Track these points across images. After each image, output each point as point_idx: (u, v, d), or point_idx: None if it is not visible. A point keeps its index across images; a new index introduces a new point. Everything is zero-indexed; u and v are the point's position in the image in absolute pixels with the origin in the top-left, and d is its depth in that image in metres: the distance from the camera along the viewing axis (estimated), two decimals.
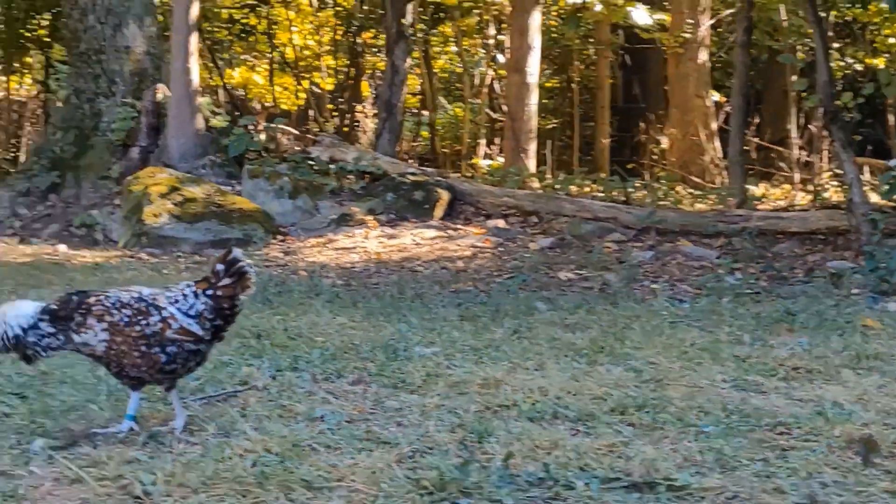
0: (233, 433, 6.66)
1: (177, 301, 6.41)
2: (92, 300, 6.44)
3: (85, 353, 6.53)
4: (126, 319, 6.37)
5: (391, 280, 12.61)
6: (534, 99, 22.42)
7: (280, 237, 14.99)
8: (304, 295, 11.42)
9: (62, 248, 14.94)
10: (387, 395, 7.60)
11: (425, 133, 27.41)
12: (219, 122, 17.36)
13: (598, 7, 19.47)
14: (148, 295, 6.45)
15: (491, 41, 26.20)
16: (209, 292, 6.40)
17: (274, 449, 6.32)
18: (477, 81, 27.01)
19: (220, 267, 6.36)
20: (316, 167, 16.25)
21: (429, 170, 18.58)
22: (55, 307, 6.48)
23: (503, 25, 25.01)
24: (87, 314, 6.39)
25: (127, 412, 6.63)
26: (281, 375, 7.97)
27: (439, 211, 15.75)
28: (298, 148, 17.65)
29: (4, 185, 18.00)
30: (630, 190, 17.57)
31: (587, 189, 18.22)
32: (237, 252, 6.46)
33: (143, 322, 6.35)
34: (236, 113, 20.70)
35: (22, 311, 6.52)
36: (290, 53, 29.01)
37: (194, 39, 16.75)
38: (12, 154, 24.97)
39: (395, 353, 8.63)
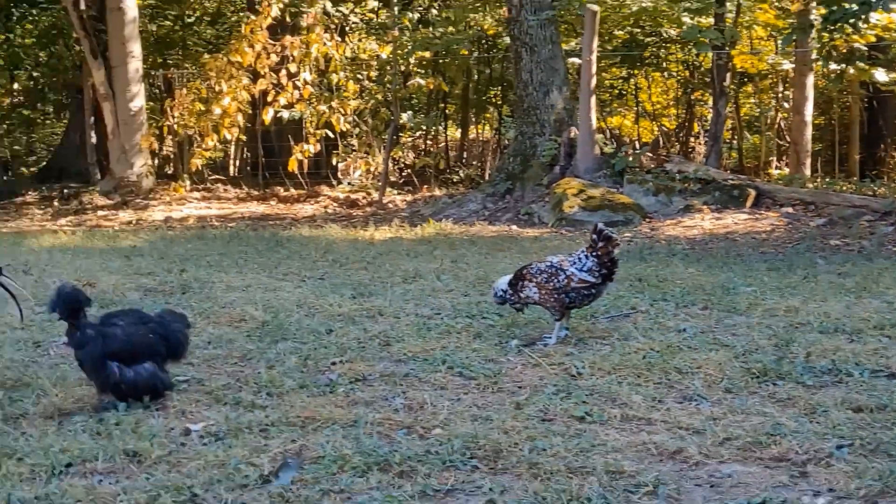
0: (629, 338, 6.80)
1: (574, 263, 6.69)
2: (525, 272, 6.74)
3: (529, 302, 6.83)
4: (545, 279, 6.65)
5: (720, 245, 12.44)
6: (808, 131, 21.77)
7: (648, 220, 14.93)
8: (665, 255, 11.39)
9: (514, 227, 15.24)
10: (724, 316, 7.62)
11: (734, 154, 26.77)
12: (608, 150, 17.40)
13: (852, 71, 18.69)
14: (556, 262, 6.80)
15: (780, 94, 25.45)
16: (593, 253, 6.65)
17: (655, 348, 6.42)
18: (769, 121, 26.28)
19: (594, 237, 6.65)
20: (668, 176, 16.11)
21: (741, 176, 18.18)
22: (512, 280, 6.83)
23: (787, 84, 24.21)
24: (523, 279, 6.71)
25: (563, 326, 6.84)
26: (656, 304, 8.05)
27: (748, 202, 15.44)
28: (655, 164, 17.49)
29: (478, 190, 18.46)
30: (875, 187, 16.96)
31: (846, 188, 17.60)
32: (601, 225, 6.84)
33: (555, 279, 6.63)
34: (616, 144, 20.68)
35: (502, 282, 6.88)
36: (647, 106, 28.79)
37: (593, 99, 16.85)
38: (480, 171, 25.48)
39: (727, 290, 8.60)
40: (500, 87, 27.85)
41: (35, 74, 30.91)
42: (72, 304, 5.46)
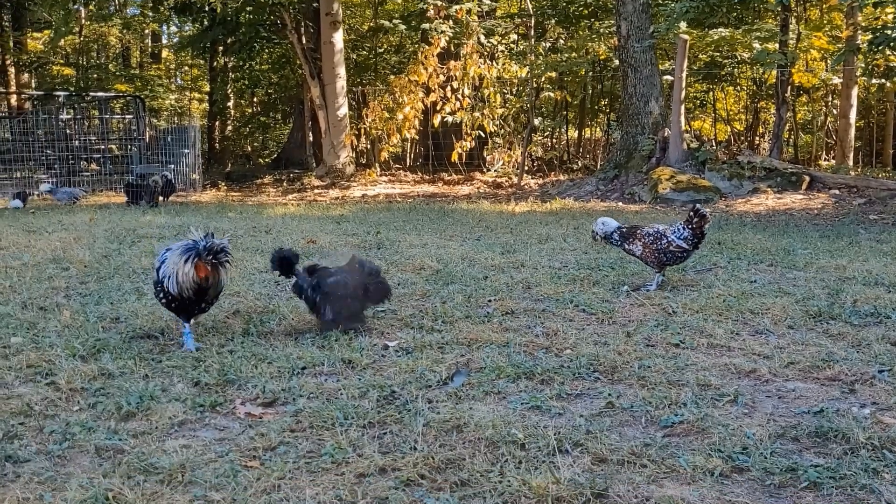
0: (713, 286, 6.66)
1: (675, 232, 6.60)
2: (637, 232, 6.70)
3: (629, 253, 6.81)
4: (650, 240, 6.55)
5: (781, 219, 12.03)
6: (851, 131, 20.82)
7: (723, 199, 14.54)
8: (738, 225, 11.07)
9: (620, 204, 15.00)
10: (786, 271, 7.39)
11: (791, 149, 25.72)
12: (693, 145, 16.92)
13: (889, 84, 17.82)
14: (661, 229, 6.72)
15: (829, 103, 24.35)
16: (689, 226, 6.52)
17: (733, 294, 6.29)
18: (819, 123, 25.19)
19: (691, 214, 6.51)
20: (740, 166, 15.63)
21: (797, 166, 17.49)
22: (624, 229, 6.75)
23: (835, 94, 23.13)
24: (634, 237, 6.59)
25: (660, 277, 6.71)
26: (732, 261, 7.86)
27: (804, 186, 14.87)
28: (729, 157, 16.94)
29: (593, 176, 18.24)
30: None
31: (882, 175, 16.79)
32: (699, 205, 6.69)
33: (658, 242, 6.56)
34: (698, 141, 20.09)
35: (611, 224, 6.76)
36: (722, 113, 27.89)
37: (682, 107, 16.40)
38: (593, 162, 25.00)
39: (787, 252, 8.33)
40: (608, 99, 27.43)
41: (269, 91, 31.78)
42: (282, 263, 5.47)
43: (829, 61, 20.33)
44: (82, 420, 3.85)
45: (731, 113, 28.47)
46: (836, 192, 14.36)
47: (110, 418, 3.91)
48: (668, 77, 18.50)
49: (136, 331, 5.41)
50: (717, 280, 6.85)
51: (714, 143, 24.20)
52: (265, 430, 3.73)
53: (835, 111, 23.44)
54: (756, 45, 18.48)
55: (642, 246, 6.61)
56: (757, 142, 26.56)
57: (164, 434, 3.73)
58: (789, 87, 19.20)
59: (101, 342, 5.09)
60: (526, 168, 21.58)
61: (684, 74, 16.47)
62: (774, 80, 19.69)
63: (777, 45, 18.30)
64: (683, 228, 6.54)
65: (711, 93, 27.51)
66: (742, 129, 28.34)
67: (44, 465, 3.40)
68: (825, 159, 23.61)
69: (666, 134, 16.48)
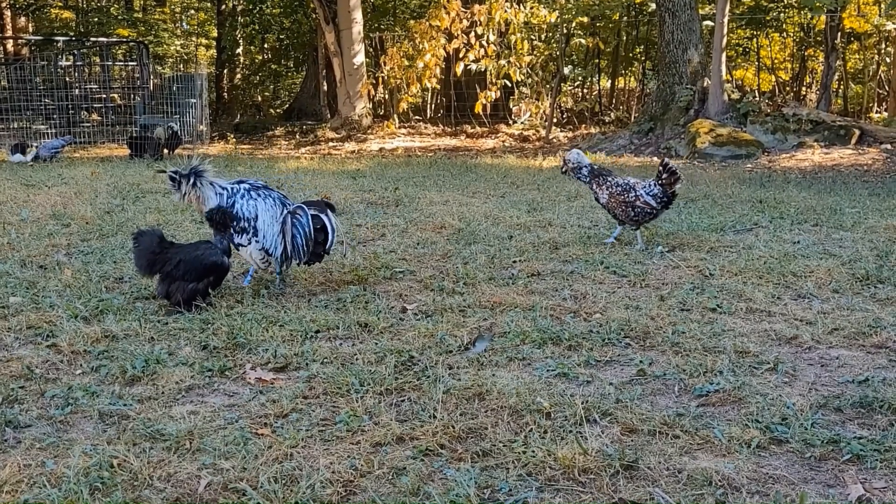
0: (753, 247, 6.63)
1: (644, 187, 6.61)
2: (607, 178, 6.83)
3: (595, 198, 6.93)
4: (618, 192, 6.59)
5: (828, 175, 11.90)
6: None
7: (766, 154, 14.39)
8: (781, 182, 10.97)
9: (654, 159, 14.77)
10: (832, 231, 7.36)
11: (839, 101, 25.36)
12: (735, 96, 16.72)
13: None
14: (633, 183, 6.83)
15: (882, 50, 23.97)
16: (659, 183, 6.52)
17: (774, 256, 6.27)
18: (871, 73, 24.81)
19: (661, 168, 6.67)
20: (784, 118, 15.45)
21: (847, 118, 17.25)
22: (595, 168, 7.00)
23: (889, 41, 22.75)
24: (602, 185, 6.63)
25: (619, 230, 6.69)
26: (774, 221, 7.82)
27: (853, 140, 14.69)
28: (773, 108, 16.73)
29: (626, 129, 18.08)
30: None
31: None
32: (668, 160, 6.79)
33: (625, 195, 6.62)
34: (740, 92, 19.85)
35: (584, 159, 7.15)
36: (767, 61, 27.53)
37: (723, 55, 16.19)
38: (626, 114, 24.77)
39: (834, 211, 8.27)
40: (643, 46, 27.13)
41: (281, 37, 31.62)
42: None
43: (882, 5, 19.98)
44: (85, 384, 3.91)
45: (776, 61, 28.09)
46: (889, 146, 14.17)
47: (114, 382, 3.96)
48: (709, 22, 18.29)
49: (140, 291, 5.46)
50: (757, 241, 6.81)
51: (757, 94, 23.96)
52: (276, 396, 3.76)
53: (888, 59, 23.06)
54: None
55: (608, 195, 6.67)
56: (804, 93, 26.24)
57: (170, 399, 3.78)
58: (839, 34, 18.90)
59: (105, 303, 5.14)
60: (555, 120, 21.44)
61: (726, 19, 16.25)
62: (823, 26, 19.39)
63: None
64: (654, 185, 6.58)
65: (755, 39, 27.14)
66: (788, 78, 27.97)
67: (45, 430, 3.45)
68: (877, 111, 23.29)
69: (705, 84, 16.30)
